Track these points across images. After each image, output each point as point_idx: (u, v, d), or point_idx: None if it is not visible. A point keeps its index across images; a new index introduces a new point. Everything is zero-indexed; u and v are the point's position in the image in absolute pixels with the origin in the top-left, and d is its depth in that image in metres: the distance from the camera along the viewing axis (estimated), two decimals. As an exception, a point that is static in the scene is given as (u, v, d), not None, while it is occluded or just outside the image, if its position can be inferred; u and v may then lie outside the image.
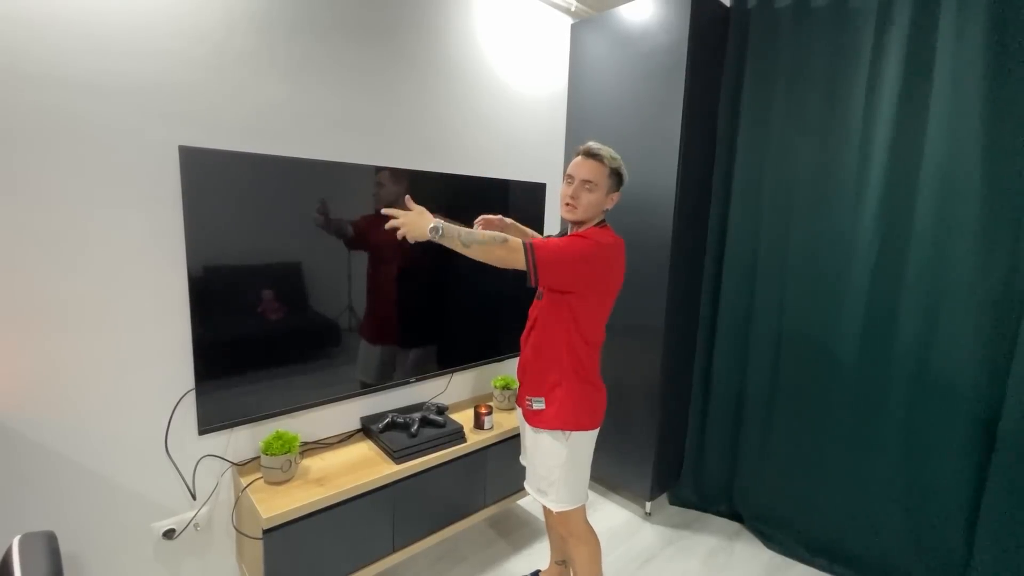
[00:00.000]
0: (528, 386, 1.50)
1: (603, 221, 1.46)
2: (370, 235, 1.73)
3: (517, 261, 1.27)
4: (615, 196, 1.43)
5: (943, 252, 1.65)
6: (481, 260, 1.28)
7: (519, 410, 1.60)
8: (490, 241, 1.26)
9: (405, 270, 1.86)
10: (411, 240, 1.27)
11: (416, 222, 1.26)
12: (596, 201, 1.38)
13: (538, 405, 1.45)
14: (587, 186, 1.37)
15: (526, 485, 1.59)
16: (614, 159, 1.39)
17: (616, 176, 1.40)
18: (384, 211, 1.29)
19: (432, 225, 1.24)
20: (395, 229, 1.28)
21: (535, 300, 1.52)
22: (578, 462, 1.47)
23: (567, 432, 1.43)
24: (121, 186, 1.33)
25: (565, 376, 1.43)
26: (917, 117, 1.68)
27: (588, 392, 1.46)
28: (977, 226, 1.58)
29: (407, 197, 1.33)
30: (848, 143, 1.84)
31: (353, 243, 1.69)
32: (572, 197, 1.38)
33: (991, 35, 1.52)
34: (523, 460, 1.68)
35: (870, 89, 1.77)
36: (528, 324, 1.54)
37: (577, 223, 1.44)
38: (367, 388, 1.83)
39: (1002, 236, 1.55)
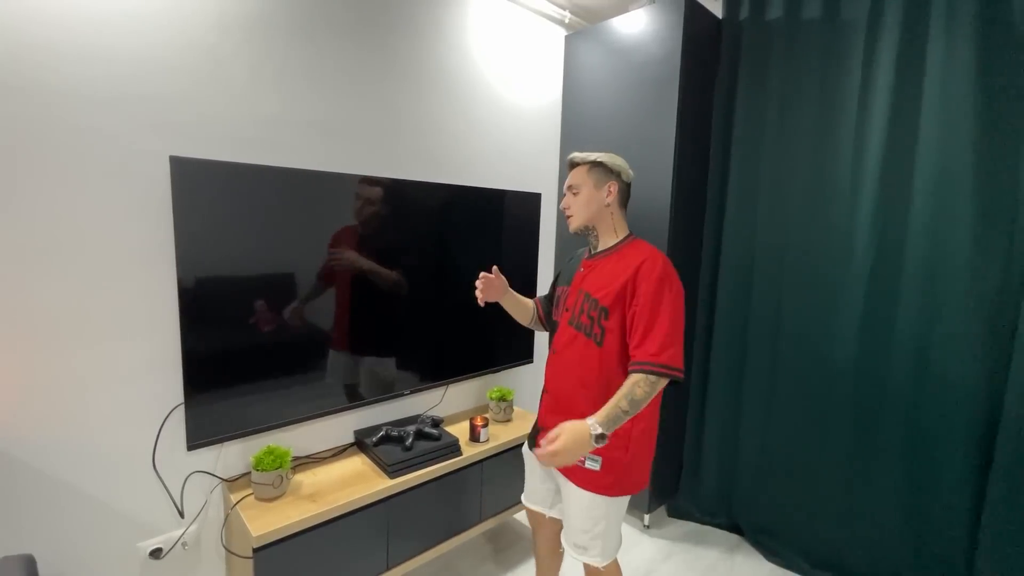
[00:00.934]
0: None
1: (630, 235, 1.37)
2: (364, 247, 1.71)
3: (661, 385, 1.17)
4: (612, 187, 1.34)
5: (938, 257, 1.65)
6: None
7: (530, 445, 1.47)
8: (644, 398, 1.14)
9: (399, 281, 1.84)
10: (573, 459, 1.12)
11: (573, 446, 1.08)
12: (585, 199, 1.35)
13: (592, 465, 1.27)
14: (572, 191, 1.38)
15: (563, 539, 1.40)
16: (588, 155, 1.36)
17: (598, 167, 1.35)
18: (539, 453, 1.11)
19: (597, 432, 1.08)
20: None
21: (573, 332, 1.33)
22: (622, 510, 1.36)
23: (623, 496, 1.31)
24: (111, 197, 1.31)
25: (634, 436, 1.26)
26: (909, 124, 1.69)
27: (651, 443, 1.32)
28: (971, 230, 1.58)
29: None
30: (842, 150, 1.85)
31: (343, 262, 1.67)
32: (565, 206, 1.40)
33: (979, 43, 1.54)
34: (531, 504, 1.54)
35: (862, 97, 1.79)
36: (564, 361, 1.35)
37: (588, 230, 1.38)
38: (361, 401, 1.80)
39: (996, 239, 1.56)
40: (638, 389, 1.15)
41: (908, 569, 1.77)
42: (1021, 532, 1.52)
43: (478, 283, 1.48)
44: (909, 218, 1.71)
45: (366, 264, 1.72)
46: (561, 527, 1.47)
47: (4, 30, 1.15)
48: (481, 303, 1.50)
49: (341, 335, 1.71)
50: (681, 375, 1.18)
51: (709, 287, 2.23)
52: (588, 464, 1.27)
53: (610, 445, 1.19)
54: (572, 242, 2.41)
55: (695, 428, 2.30)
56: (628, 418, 1.14)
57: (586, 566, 1.39)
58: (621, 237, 1.37)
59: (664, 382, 1.17)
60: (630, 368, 1.20)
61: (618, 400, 1.14)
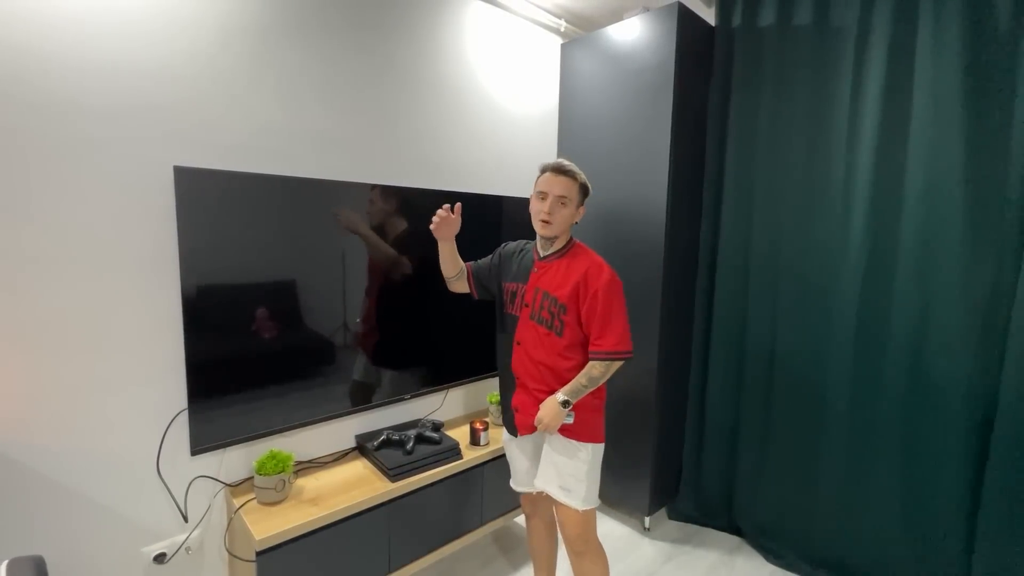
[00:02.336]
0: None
1: (572, 239, 1.53)
2: (364, 253, 1.74)
3: (615, 366, 1.42)
4: (582, 210, 1.51)
5: (931, 259, 1.67)
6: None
7: (511, 433, 1.60)
8: (599, 377, 1.41)
9: (399, 287, 1.87)
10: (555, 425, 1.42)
11: (553, 416, 1.40)
12: (569, 215, 1.46)
13: (567, 420, 1.44)
14: (562, 201, 1.43)
15: (543, 485, 1.50)
16: (580, 174, 1.46)
17: (583, 190, 1.48)
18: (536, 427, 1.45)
19: (562, 399, 1.40)
20: None
21: (535, 325, 1.48)
22: (599, 466, 1.52)
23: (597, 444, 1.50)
24: (116, 206, 1.34)
25: (597, 397, 1.49)
26: (900, 128, 1.72)
27: (602, 407, 1.54)
28: (962, 232, 1.60)
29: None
30: (834, 154, 1.88)
31: (347, 261, 1.70)
32: (548, 213, 1.43)
33: (966, 49, 1.57)
34: (517, 485, 1.67)
35: (854, 101, 1.82)
36: (529, 350, 1.49)
37: (551, 239, 1.49)
38: (362, 405, 1.82)
39: (986, 240, 1.58)
40: (595, 370, 1.42)
41: (908, 568, 1.77)
42: (1018, 529, 1.53)
43: (435, 217, 1.52)
44: (901, 221, 1.73)
45: (365, 231, 1.76)
46: (553, 511, 1.59)
47: (9, 42, 1.18)
48: (435, 233, 1.55)
49: (342, 341, 1.74)
50: (631, 354, 1.44)
51: (706, 292, 2.25)
52: (565, 419, 1.45)
53: (582, 405, 1.45)
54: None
55: (695, 430, 2.31)
56: (587, 391, 1.41)
57: (562, 515, 1.49)
58: (566, 240, 1.52)
59: (618, 364, 1.43)
60: (590, 356, 1.44)
61: (579, 377, 1.42)
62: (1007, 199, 1.54)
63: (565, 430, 1.47)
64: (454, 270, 1.67)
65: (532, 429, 1.49)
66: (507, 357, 1.56)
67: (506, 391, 1.59)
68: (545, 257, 1.51)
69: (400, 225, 1.83)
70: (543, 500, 1.62)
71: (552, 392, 1.45)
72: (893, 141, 1.73)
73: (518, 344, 1.52)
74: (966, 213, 1.60)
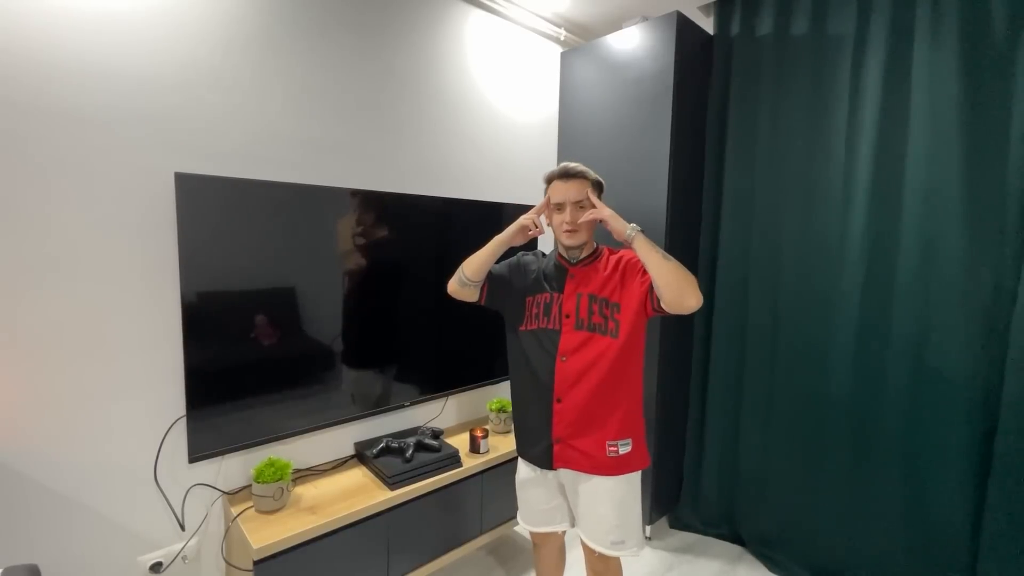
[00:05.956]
0: (609, 430, 1.33)
1: (597, 244, 1.43)
2: (364, 260, 1.74)
3: (692, 286, 1.25)
4: None
5: (931, 263, 1.67)
6: (667, 278, 1.24)
7: (543, 471, 1.41)
8: (677, 262, 1.27)
9: (398, 294, 1.87)
10: (611, 225, 1.32)
11: (618, 218, 1.32)
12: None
13: (625, 449, 1.32)
14: (581, 205, 1.34)
15: (593, 544, 1.36)
16: (589, 172, 1.37)
17: (598, 187, 1.40)
18: (588, 216, 1.34)
19: (633, 225, 1.31)
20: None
21: (586, 334, 1.33)
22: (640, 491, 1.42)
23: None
24: (116, 212, 1.34)
25: (641, 408, 1.40)
26: (898, 133, 1.72)
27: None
28: (961, 235, 1.60)
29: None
30: (833, 160, 1.88)
31: (348, 268, 1.70)
32: (572, 222, 1.33)
33: (963, 55, 1.58)
34: (536, 527, 1.50)
35: (852, 108, 1.83)
36: (580, 363, 1.33)
37: (578, 247, 1.38)
38: (361, 413, 1.81)
39: (986, 243, 1.57)
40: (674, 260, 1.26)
41: (911, 578, 1.76)
42: (1022, 539, 1.52)
43: (530, 221, 1.42)
44: (901, 225, 1.73)
45: None
46: (562, 539, 1.51)
47: (10, 50, 1.19)
48: (513, 232, 1.43)
49: (341, 348, 1.73)
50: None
51: (706, 297, 2.24)
52: (622, 450, 1.33)
53: (634, 424, 1.35)
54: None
55: (695, 437, 2.30)
56: (659, 253, 1.26)
57: (601, 565, 1.39)
58: (594, 246, 1.43)
59: (689, 274, 1.27)
60: None
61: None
62: (1006, 202, 1.55)
63: (619, 466, 1.31)
64: (482, 275, 1.45)
65: (576, 464, 1.34)
66: (545, 377, 1.36)
67: (538, 417, 1.38)
68: (579, 262, 1.40)
69: (401, 233, 1.82)
70: (552, 535, 1.52)
71: (626, 411, 1.34)
72: (891, 147, 1.73)
73: (564, 360, 1.34)
74: (965, 216, 1.60)
